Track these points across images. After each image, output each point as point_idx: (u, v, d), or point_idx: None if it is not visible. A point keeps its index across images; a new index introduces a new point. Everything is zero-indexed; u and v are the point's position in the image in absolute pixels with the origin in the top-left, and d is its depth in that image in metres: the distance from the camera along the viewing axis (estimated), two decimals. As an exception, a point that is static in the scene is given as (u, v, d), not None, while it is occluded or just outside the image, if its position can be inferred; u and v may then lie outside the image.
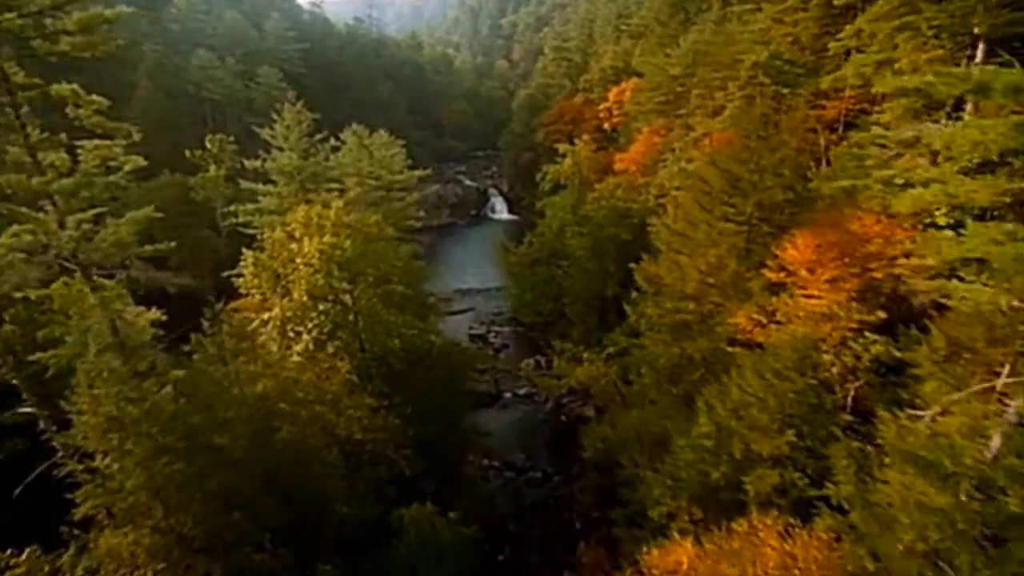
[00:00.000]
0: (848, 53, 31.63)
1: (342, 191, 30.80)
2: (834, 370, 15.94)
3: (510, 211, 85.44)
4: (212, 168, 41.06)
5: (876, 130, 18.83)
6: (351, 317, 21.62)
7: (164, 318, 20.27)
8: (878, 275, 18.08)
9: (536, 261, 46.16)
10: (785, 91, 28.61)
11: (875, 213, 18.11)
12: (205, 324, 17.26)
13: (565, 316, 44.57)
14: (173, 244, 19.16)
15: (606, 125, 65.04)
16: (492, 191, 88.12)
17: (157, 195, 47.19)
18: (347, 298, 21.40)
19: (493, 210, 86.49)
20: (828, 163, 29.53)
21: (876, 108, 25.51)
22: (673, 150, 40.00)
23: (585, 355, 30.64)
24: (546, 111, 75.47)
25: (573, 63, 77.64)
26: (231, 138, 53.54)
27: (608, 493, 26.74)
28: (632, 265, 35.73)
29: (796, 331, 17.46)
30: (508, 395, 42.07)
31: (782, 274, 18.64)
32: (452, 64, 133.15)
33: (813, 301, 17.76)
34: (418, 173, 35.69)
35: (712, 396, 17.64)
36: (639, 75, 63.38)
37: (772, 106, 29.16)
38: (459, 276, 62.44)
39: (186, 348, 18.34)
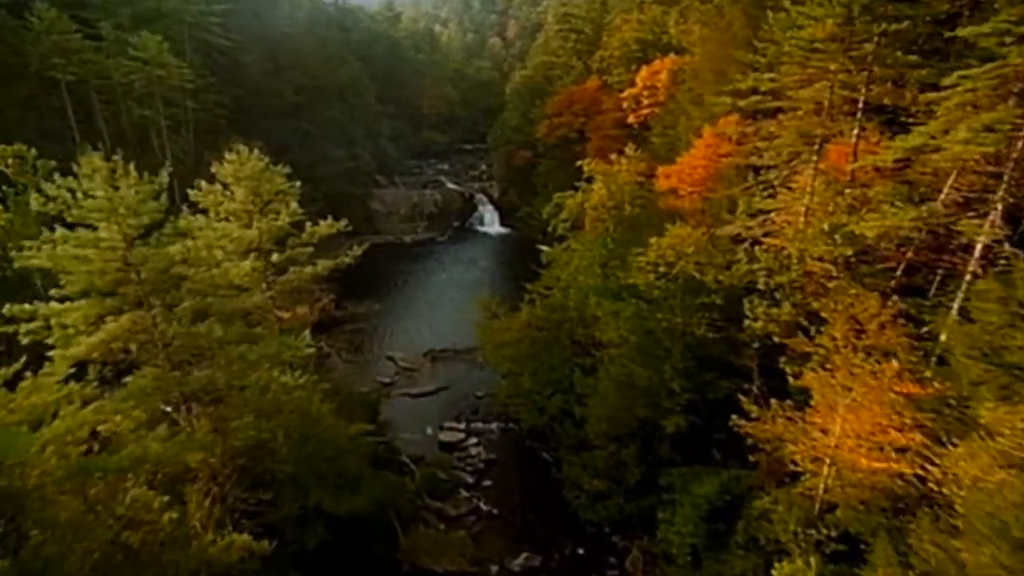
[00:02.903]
0: None
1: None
2: None
3: (502, 223, 68.71)
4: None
5: None
6: None
7: None
8: None
9: (540, 338, 29.63)
10: None
11: None
12: None
13: (582, 424, 28.21)
14: None
15: (632, 119, 48.19)
16: (480, 197, 71.14)
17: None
18: None
19: (481, 222, 69.65)
20: None
21: None
22: (778, 177, 23.46)
23: None
24: (549, 98, 58.41)
25: (584, 36, 60.35)
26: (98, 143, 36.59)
27: None
28: (735, 421, 19.32)
29: None
30: (495, 569, 25.74)
31: None
32: (437, 41, 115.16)
33: None
34: (322, 229, 18.65)
35: None
36: (679, 51, 46.52)
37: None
38: (432, 327, 45.68)
39: None
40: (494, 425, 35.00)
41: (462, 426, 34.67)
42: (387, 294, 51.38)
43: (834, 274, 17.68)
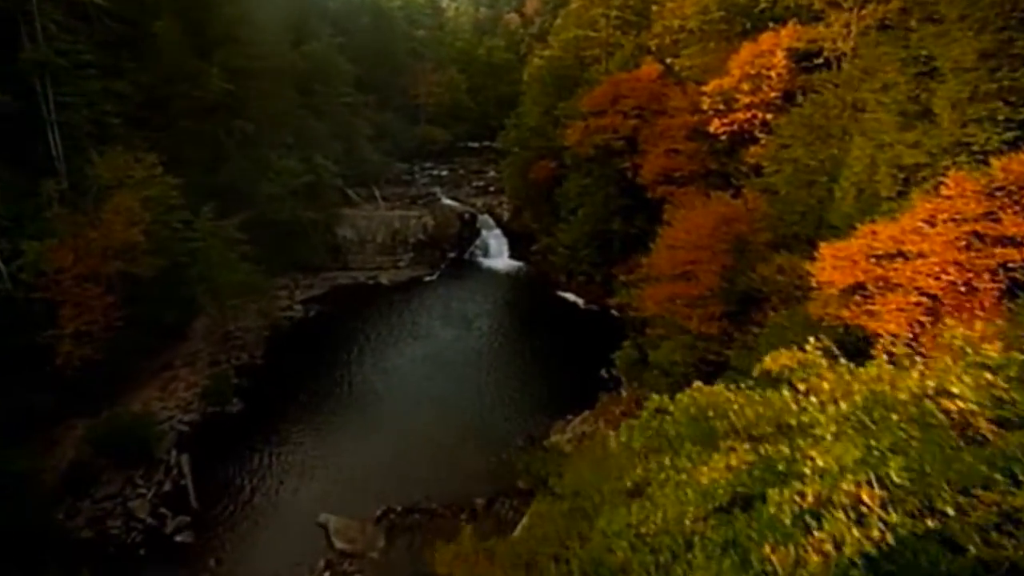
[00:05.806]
0: None
1: None
2: None
3: (513, 254, 51.94)
4: None
5: None
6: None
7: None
8: None
9: None
10: None
11: None
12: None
13: None
14: None
15: (717, 127, 30.85)
16: (485, 219, 54.16)
17: None
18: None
19: (486, 252, 52.81)
20: None
21: None
22: None
23: None
24: (584, 89, 41.09)
25: (634, 2, 42.65)
26: None
27: None
28: None
29: None
30: None
31: None
32: (442, 16, 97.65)
33: None
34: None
35: None
36: (802, 20, 29.18)
37: None
38: (394, 457, 28.79)
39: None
40: None
41: None
42: (332, 382, 34.58)
43: None
